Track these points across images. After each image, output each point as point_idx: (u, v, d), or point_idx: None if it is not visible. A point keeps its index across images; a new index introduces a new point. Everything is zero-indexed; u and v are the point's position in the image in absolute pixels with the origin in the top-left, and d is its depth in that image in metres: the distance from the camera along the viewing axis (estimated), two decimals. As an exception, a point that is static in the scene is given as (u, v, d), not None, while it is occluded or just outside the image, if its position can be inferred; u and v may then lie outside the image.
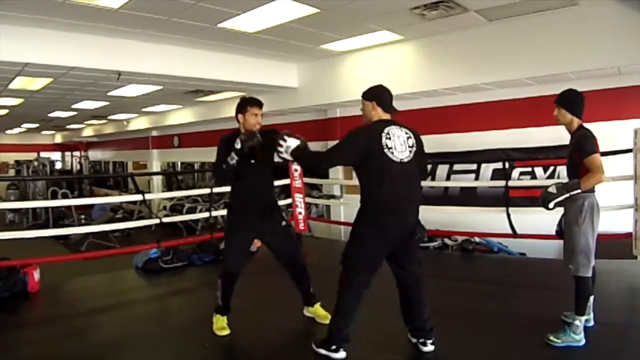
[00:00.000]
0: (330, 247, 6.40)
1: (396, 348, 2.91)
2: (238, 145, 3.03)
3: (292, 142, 2.85)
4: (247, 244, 3.32)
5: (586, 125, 2.98)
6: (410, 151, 2.74)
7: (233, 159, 3.06)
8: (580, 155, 2.82)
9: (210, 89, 8.71)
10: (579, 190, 2.76)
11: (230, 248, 3.31)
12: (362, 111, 2.89)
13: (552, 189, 2.81)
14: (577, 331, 2.84)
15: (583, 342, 2.83)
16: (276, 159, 3.03)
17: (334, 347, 2.75)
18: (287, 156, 2.87)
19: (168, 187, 15.25)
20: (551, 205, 2.81)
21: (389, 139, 2.69)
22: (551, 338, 2.87)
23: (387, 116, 2.82)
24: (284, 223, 3.41)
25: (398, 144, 2.71)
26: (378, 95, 2.84)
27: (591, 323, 3.07)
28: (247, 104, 3.21)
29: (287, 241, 3.41)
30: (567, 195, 2.78)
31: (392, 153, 2.67)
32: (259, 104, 3.23)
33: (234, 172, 3.14)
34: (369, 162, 2.68)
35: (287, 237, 3.42)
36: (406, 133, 2.78)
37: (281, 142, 2.85)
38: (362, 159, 2.69)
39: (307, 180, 6.43)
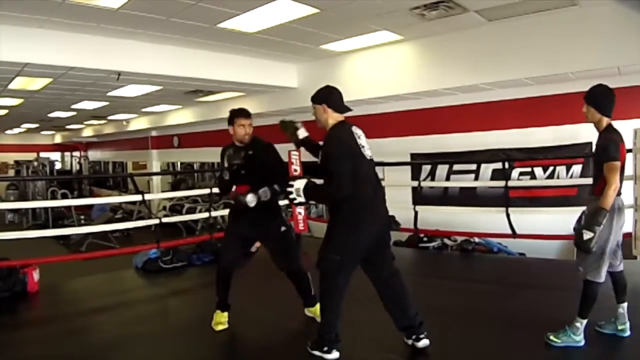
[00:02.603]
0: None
1: (394, 347, 2.91)
2: (226, 164, 3.30)
3: (299, 184, 2.75)
4: (238, 243, 3.36)
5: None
6: (370, 149, 2.80)
7: (226, 175, 3.32)
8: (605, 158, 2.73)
9: (210, 89, 8.71)
10: (607, 210, 2.64)
11: (223, 245, 3.54)
12: (313, 116, 2.85)
13: (587, 234, 2.62)
14: (577, 332, 2.82)
15: (582, 343, 2.81)
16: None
17: (325, 348, 2.76)
18: (302, 199, 2.76)
19: (175, 186, 15.00)
20: (595, 248, 2.65)
21: (359, 137, 2.75)
22: (551, 338, 2.86)
23: (340, 117, 2.81)
24: (283, 228, 3.38)
25: (365, 143, 2.77)
26: (327, 97, 2.81)
27: (627, 333, 2.91)
28: (234, 116, 3.28)
29: (283, 248, 3.38)
30: (601, 227, 2.63)
31: (365, 152, 2.73)
32: (245, 115, 3.28)
33: (230, 183, 3.35)
34: (352, 163, 2.68)
35: (284, 244, 3.38)
36: (362, 132, 2.83)
37: (289, 189, 2.78)
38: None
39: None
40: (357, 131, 2.78)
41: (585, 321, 2.83)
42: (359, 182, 2.67)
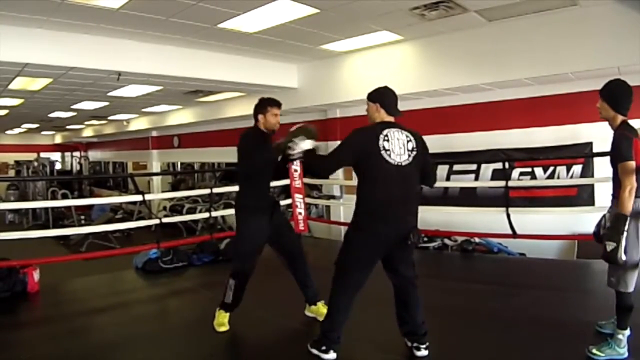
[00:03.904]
0: (330, 248, 6.39)
1: (396, 348, 2.91)
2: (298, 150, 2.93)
3: (305, 145, 2.86)
4: (263, 244, 3.35)
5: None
6: (410, 155, 2.71)
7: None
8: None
9: (210, 89, 8.71)
10: (627, 215, 2.53)
11: (249, 247, 3.28)
12: (366, 111, 2.89)
13: (609, 245, 2.52)
14: (620, 344, 2.69)
15: (626, 355, 2.69)
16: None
17: (324, 347, 2.76)
18: (296, 157, 2.89)
19: (175, 187, 14.94)
20: (624, 257, 2.52)
21: (387, 141, 2.67)
22: (594, 351, 2.70)
23: (390, 118, 2.81)
24: (285, 218, 3.52)
25: (397, 147, 2.68)
26: (382, 97, 2.83)
27: (628, 333, 2.83)
28: (267, 104, 3.29)
29: (290, 233, 3.50)
30: (625, 233, 2.51)
31: (389, 155, 2.65)
32: (279, 105, 3.32)
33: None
34: (364, 163, 2.68)
35: (290, 229, 3.54)
36: (407, 136, 2.75)
37: (293, 145, 2.87)
38: (358, 160, 2.69)
39: (307, 180, 6.43)
40: (393, 134, 2.70)
41: (626, 332, 2.72)
42: (371, 183, 2.68)
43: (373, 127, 2.76)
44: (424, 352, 2.81)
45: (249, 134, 3.29)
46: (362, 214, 2.74)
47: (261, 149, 3.20)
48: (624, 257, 2.52)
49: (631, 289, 2.69)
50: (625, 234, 2.52)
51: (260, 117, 3.28)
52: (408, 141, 2.74)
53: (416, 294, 2.86)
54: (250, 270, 3.28)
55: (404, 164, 2.69)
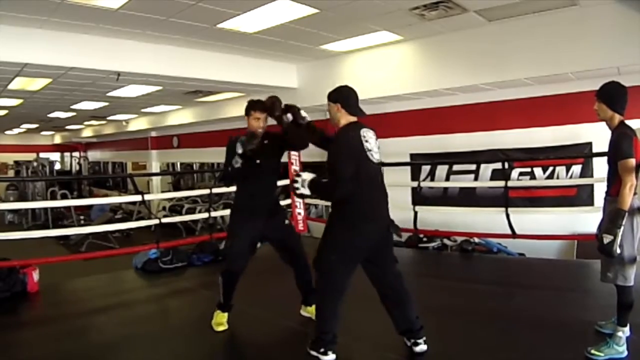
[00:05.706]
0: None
1: (396, 347, 2.91)
2: (240, 150, 3.11)
3: (307, 176, 2.81)
4: (253, 244, 3.36)
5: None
6: (379, 153, 2.79)
7: (237, 163, 3.15)
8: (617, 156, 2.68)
9: (209, 89, 8.71)
10: (626, 211, 2.58)
11: (237, 247, 3.30)
12: (327, 112, 2.88)
13: (606, 238, 2.58)
14: (620, 342, 2.68)
15: (625, 353, 2.67)
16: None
17: (322, 349, 2.76)
18: (306, 191, 2.79)
19: (176, 186, 14.98)
20: (618, 251, 2.58)
21: (367, 141, 2.72)
22: (593, 352, 2.68)
23: (353, 118, 2.81)
24: (287, 221, 3.49)
25: (374, 146, 2.75)
26: (342, 96, 2.82)
27: (627, 333, 2.82)
28: (250, 108, 3.31)
29: (290, 234, 3.48)
30: (621, 227, 2.57)
31: (372, 155, 2.71)
32: (261, 108, 3.28)
33: (241, 173, 3.22)
34: (357, 166, 2.69)
35: (290, 231, 3.51)
36: (374, 135, 2.80)
37: (297, 178, 2.84)
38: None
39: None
40: (367, 133, 2.75)
41: (626, 329, 2.72)
42: (360, 184, 2.68)
43: (352, 129, 2.75)
44: (423, 347, 2.81)
45: (232, 138, 3.31)
46: (349, 213, 2.73)
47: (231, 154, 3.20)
48: (618, 250, 2.59)
49: (631, 282, 2.71)
50: (622, 228, 2.58)
51: (246, 119, 3.33)
52: (376, 139, 2.82)
53: (405, 289, 2.86)
54: (237, 268, 3.27)
55: (377, 161, 2.77)
